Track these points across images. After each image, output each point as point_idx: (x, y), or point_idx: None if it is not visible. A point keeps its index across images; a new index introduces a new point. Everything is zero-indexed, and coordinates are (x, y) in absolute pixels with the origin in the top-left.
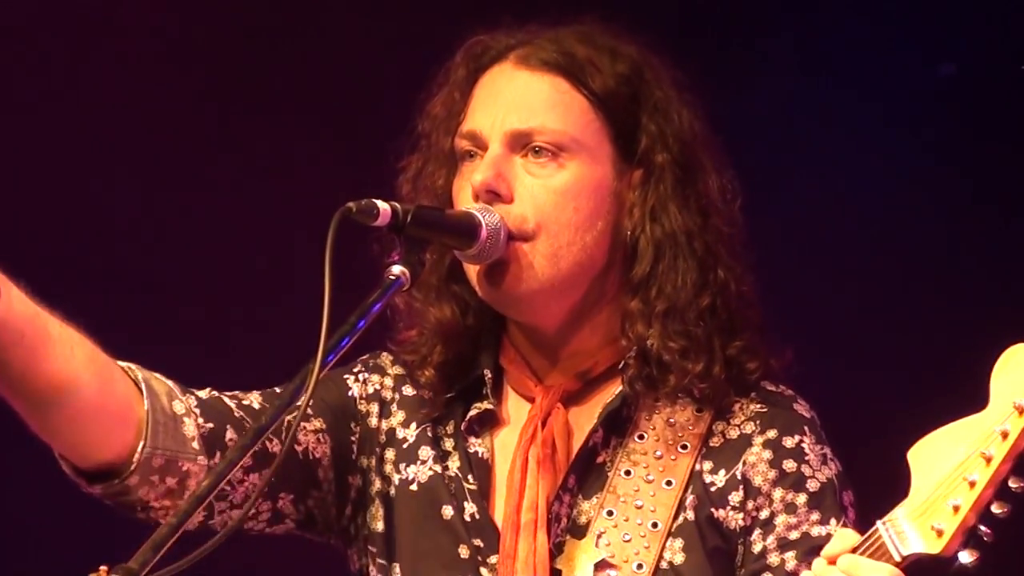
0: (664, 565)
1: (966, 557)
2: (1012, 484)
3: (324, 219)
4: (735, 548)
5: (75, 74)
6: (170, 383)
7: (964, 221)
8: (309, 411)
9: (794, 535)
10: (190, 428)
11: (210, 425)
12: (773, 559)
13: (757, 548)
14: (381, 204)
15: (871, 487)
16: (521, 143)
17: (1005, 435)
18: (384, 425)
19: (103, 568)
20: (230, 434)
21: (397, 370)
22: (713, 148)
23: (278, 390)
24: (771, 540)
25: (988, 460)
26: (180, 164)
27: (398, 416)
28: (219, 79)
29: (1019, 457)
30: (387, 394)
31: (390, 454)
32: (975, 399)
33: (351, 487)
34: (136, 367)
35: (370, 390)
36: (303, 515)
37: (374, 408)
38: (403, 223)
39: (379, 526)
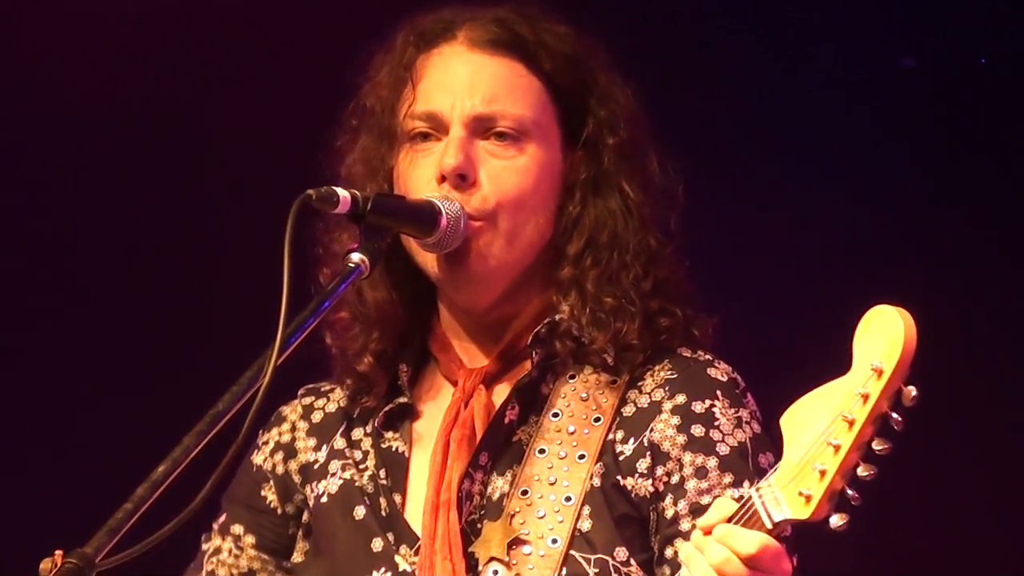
0: (577, 535)
1: (836, 520)
2: (876, 446)
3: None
4: (647, 515)
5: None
6: None
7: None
8: (229, 522)
9: (706, 499)
10: None
11: None
12: (685, 525)
13: (669, 513)
14: (341, 192)
15: None
16: (483, 127)
17: (865, 398)
18: (293, 465)
19: (58, 552)
20: None
21: (303, 404)
22: (651, 129)
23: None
24: (683, 505)
25: (851, 424)
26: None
27: (308, 443)
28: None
29: (880, 419)
30: (287, 437)
31: (308, 487)
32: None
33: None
34: None
35: (271, 446)
36: None
37: (279, 457)
38: (363, 211)
39: (299, 559)
